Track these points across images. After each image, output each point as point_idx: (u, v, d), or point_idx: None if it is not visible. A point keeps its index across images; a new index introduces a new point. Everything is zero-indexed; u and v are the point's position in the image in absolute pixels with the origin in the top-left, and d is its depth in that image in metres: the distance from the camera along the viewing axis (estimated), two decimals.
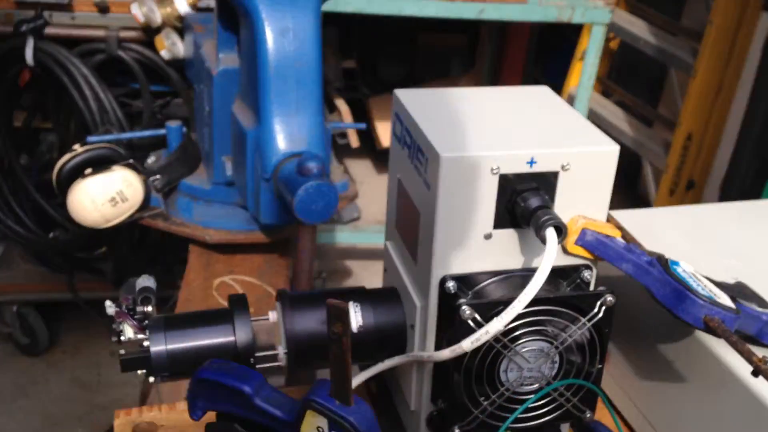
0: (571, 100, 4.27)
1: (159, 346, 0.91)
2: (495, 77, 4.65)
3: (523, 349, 0.88)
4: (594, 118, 4.06)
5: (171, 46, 2.10)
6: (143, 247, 2.36)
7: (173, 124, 1.76)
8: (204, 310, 1.00)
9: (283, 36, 1.41)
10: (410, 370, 0.98)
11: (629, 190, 3.99)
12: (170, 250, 2.43)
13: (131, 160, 1.66)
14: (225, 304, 1.95)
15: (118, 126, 2.11)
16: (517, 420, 0.92)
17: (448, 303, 0.89)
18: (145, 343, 0.90)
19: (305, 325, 0.94)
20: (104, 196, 1.65)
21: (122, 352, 0.92)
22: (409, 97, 0.97)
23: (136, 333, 0.91)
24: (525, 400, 0.91)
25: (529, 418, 0.92)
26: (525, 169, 0.86)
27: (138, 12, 2.09)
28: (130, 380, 2.69)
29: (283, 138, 1.42)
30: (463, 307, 0.84)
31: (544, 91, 1.02)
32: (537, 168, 0.86)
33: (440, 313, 0.91)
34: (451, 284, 0.88)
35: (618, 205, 3.82)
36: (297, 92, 1.44)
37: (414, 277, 0.95)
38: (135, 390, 2.61)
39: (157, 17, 2.10)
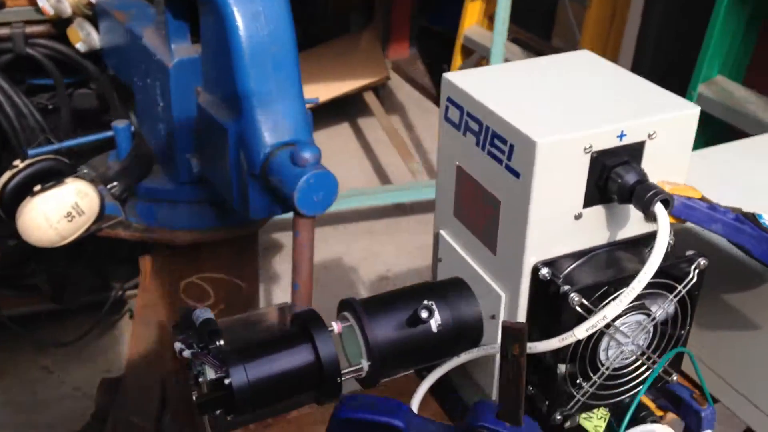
0: (471, 43, 4.27)
1: (241, 380, 0.83)
2: (386, 28, 4.60)
3: (622, 326, 0.86)
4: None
5: (86, 37, 1.93)
6: (81, 256, 2.20)
7: (120, 124, 1.62)
8: (274, 332, 0.92)
9: (255, 20, 1.31)
10: (489, 361, 0.94)
11: None
12: (111, 256, 2.28)
13: (85, 170, 1.52)
14: (194, 305, 1.86)
15: (39, 130, 1.93)
16: (614, 395, 0.91)
17: (543, 290, 0.85)
18: (226, 381, 0.83)
19: (386, 333, 0.89)
20: (59, 212, 1.51)
21: (196, 395, 0.84)
22: (462, 80, 0.92)
23: (217, 372, 0.82)
24: (622, 375, 0.90)
25: (626, 390, 0.91)
26: (615, 143, 0.83)
27: (45, 4, 1.90)
28: (69, 393, 2.54)
29: (268, 129, 1.33)
30: (572, 294, 0.81)
31: (588, 56, 0.99)
32: (626, 140, 0.83)
33: (532, 302, 0.87)
34: (545, 271, 0.85)
35: None
36: (276, 78, 1.34)
37: (493, 267, 0.91)
38: (78, 403, 2.46)
39: (67, 7, 1.91)
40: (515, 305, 0.88)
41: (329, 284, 3.12)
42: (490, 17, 4.32)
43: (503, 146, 0.84)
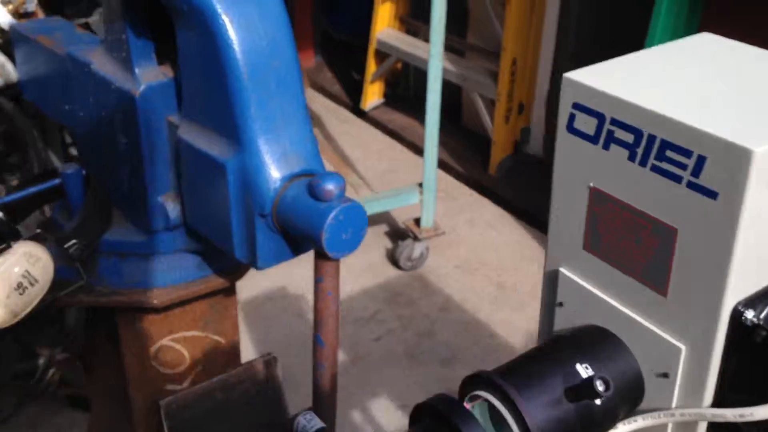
0: (385, 47, 4.10)
1: None
2: None
3: None
4: (411, 59, 3.93)
5: (1, 69, 1.63)
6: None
7: (69, 169, 1.34)
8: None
9: (251, 30, 1.08)
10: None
11: (453, 123, 3.96)
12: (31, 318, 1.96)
13: (38, 230, 1.24)
14: (168, 372, 1.59)
15: None
16: None
17: (747, 339, 0.67)
18: None
19: (545, 415, 0.69)
20: (9, 285, 1.22)
21: None
22: (597, 79, 0.72)
23: None
24: None
25: None
26: None
27: None
28: None
29: (276, 160, 1.10)
30: None
31: (717, 40, 0.82)
32: None
33: (727, 353, 0.69)
34: (750, 314, 0.67)
35: (449, 140, 3.66)
36: (280, 99, 1.11)
37: (662, 312, 0.72)
38: None
39: None
40: (704, 359, 0.69)
41: (276, 316, 2.88)
42: (400, 19, 4.17)
43: (685, 159, 0.65)
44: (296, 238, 1.14)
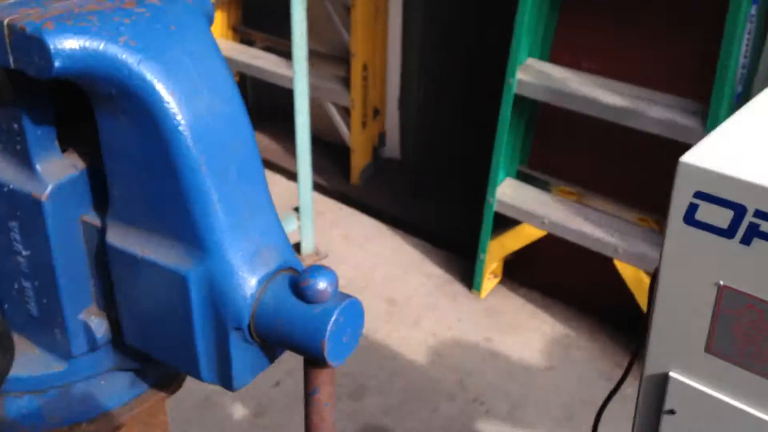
0: (231, 62, 3.85)
1: None
2: None
3: None
4: (252, 70, 3.71)
5: None
6: None
7: None
8: None
9: (203, 112, 0.87)
10: None
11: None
12: None
13: None
14: None
15: None
16: None
17: None
18: None
19: None
20: None
21: None
22: (720, 163, 0.60)
23: None
24: None
25: None
26: None
27: None
28: None
29: (249, 261, 0.91)
30: None
31: None
32: None
33: None
34: None
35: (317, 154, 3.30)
36: (243, 187, 0.92)
37: None
38: None
39: None
40: None
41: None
42: (233, 28, 3.94)
43: None
44: (279, 346, 0.96)
